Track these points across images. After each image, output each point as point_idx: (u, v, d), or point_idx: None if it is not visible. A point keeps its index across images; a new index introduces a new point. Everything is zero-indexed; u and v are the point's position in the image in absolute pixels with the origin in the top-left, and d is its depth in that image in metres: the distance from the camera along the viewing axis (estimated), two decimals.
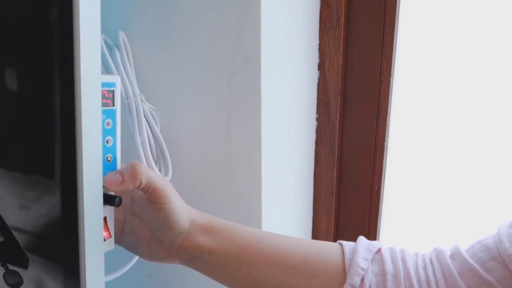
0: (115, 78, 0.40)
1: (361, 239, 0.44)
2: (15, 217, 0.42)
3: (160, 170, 0.53)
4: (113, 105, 0.40)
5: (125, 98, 0.49)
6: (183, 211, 0.44)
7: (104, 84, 0.38)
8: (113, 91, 0.39)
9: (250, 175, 0.54)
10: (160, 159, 0.54)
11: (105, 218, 0.42)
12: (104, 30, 0.50)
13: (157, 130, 0.54)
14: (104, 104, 0.39)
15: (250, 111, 0.53)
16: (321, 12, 0.68)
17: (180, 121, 0.56)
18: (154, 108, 0.55)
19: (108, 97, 0.39)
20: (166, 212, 0.42)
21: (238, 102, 0.54)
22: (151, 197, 0.42)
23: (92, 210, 0.38)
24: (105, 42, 0.51)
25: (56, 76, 0.38)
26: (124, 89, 0.49)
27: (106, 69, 0.49)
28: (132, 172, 0.40)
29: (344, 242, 0.44)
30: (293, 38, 0.61)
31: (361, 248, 0.43)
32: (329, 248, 0.44)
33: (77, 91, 0.37)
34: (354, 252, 0.42)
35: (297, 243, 0.45)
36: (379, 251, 0.43)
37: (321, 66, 0.68)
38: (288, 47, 0.59)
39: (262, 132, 0.53)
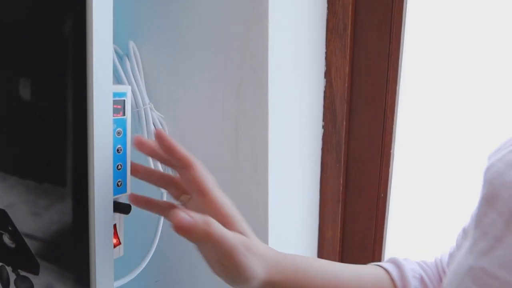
0: (125, 88, 0.41)
1: (401, 259, 0.47)
2: (27, 224, 0.43)
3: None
4: (124, 114, 0.40)
5: (135, 106, 0.50)
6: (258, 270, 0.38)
7: (115, 94, 0.39)
8: (124, 100, 0.40)
9: (257, 182, 0.55)
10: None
11: (114, 226, 0.42)
12: (115, 40, 0.51)
13: None
14: (115, 113, 0.40)
15: (257, 119, 0.54)
16: (327, 21, 0.68)
17: (188, 129, 0.57)
18: (162, 116, 0.55)
19: (119, 107, 0.40)
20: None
21: (245, 111, 0.54)
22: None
23: (102, 218, 0.39)
24: (116, 52, 0.52)
25: (69, 87, 0.39)
26: (134, 98, 0.50)
27: (117, 78, 0.50)
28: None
29: (384, 264, 0.47)
30: (300, 46, 0.62)
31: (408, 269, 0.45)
32: (376, 274, 0.46)
33: (90, 101, 0.38)
34: (402, 277, 0.45)
35: (347, 271, 0.46)
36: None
37: (327, 74, 0.68)
38: (294, 56, 0.60)
39: (269, 140, 0.53)
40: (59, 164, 0.39)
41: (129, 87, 0.40)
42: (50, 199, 0.41)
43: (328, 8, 0.68)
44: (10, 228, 0.44)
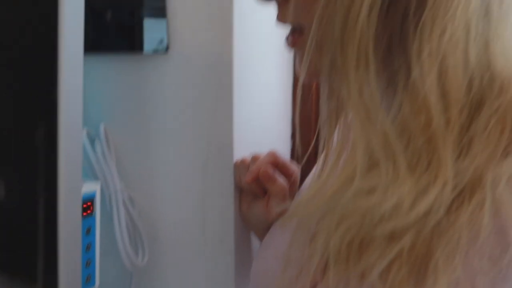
0: (95, 187, 0.43)
1: None
2: None
3: (137, 254, 0.56)
4: (93, 213, 0.43)
5: (106, 188, 0.52)
6: None
7: (85, 195, 0.42)
8: (93, 199, 0.43)
9: (223, 255, 0.58)
10: (138, 243, 0.57)
11: None
12: (86, 122, 0.53)
13: (135, 216, 0.57)
14: (84, 212, 0.42)
15: (223, 197, 0.57)
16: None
17: (157, 205, 0.59)
18: (132, 193, 0.58)
19: (88, 206, 0.43)
20: None
21: (212, 187, 0.58)
22: None
23: None
24: (88, 134, 0.55)
25: (39, 189, 0.41)
26: (104, 180, 0.52)
27: (87, 161, 0.52)
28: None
29: None
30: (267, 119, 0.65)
31: None
32: None
33: (60, 203, 0.40)
34: None
35: None
36: None
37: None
38: (262, 133, 0.64)
39: (235, 218, 0.57)
40: (29, 262, 0.41)
41: (99, 185, 0.42)
42: None
43: None
44: None
